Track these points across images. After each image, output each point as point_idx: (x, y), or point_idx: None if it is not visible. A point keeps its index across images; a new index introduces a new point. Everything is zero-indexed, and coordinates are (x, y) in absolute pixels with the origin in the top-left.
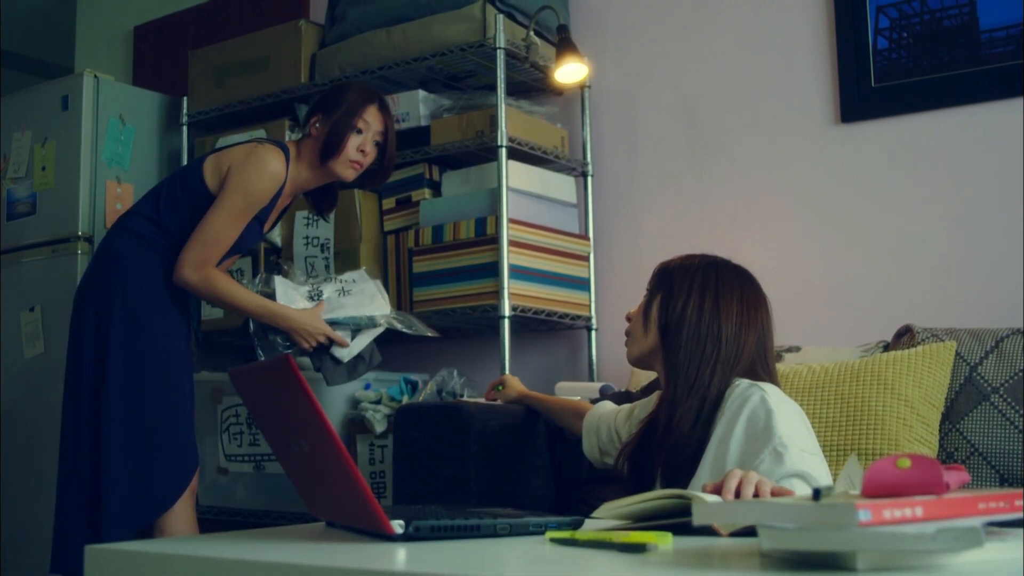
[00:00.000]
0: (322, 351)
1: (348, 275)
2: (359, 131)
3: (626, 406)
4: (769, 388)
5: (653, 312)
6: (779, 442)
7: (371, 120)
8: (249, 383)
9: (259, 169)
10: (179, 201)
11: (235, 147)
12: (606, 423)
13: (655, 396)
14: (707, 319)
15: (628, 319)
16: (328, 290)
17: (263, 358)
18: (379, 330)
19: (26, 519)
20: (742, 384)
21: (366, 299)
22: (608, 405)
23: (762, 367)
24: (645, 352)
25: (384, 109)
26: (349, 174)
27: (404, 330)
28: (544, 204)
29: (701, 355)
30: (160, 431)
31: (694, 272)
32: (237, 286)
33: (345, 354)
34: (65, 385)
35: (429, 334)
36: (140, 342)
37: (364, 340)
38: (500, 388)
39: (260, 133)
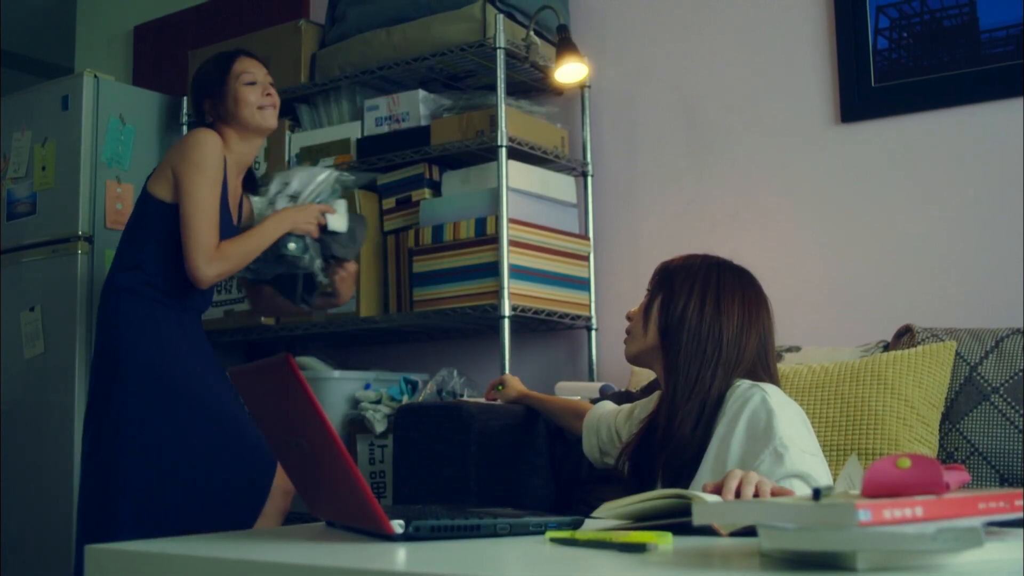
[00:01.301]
0: (324, 234)
1: (283, 172)
2: (251, 83)
3: (626, 406)
4: (770, 389)
5: (653, 312)
6: (779, 443)
7: (251, 68)
8: (249, 383)
9: (195, 141)
10: (143, 236)
11: (164, 161)
12: (606, 423)
13: (655, 396)
14: (708, 320)
15: (629, 318)
16: (276, 184)
17: (302, 280)
18: (339, 197)
19: (26, 519)
20: (743, 385)
21: (311, 174)
22: (608, 405)
23: (763, 368)
24: (644, 351)
25: (251, 55)
26: (271, 120)
27: (348, 185)
28: (544, 204)
29: (702, 357)
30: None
31: (695, 273)
32: (241, 241)
33: (339, 221)
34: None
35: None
36: (158, 394)
37: (340, 207)
38: (500, 388)
39: None
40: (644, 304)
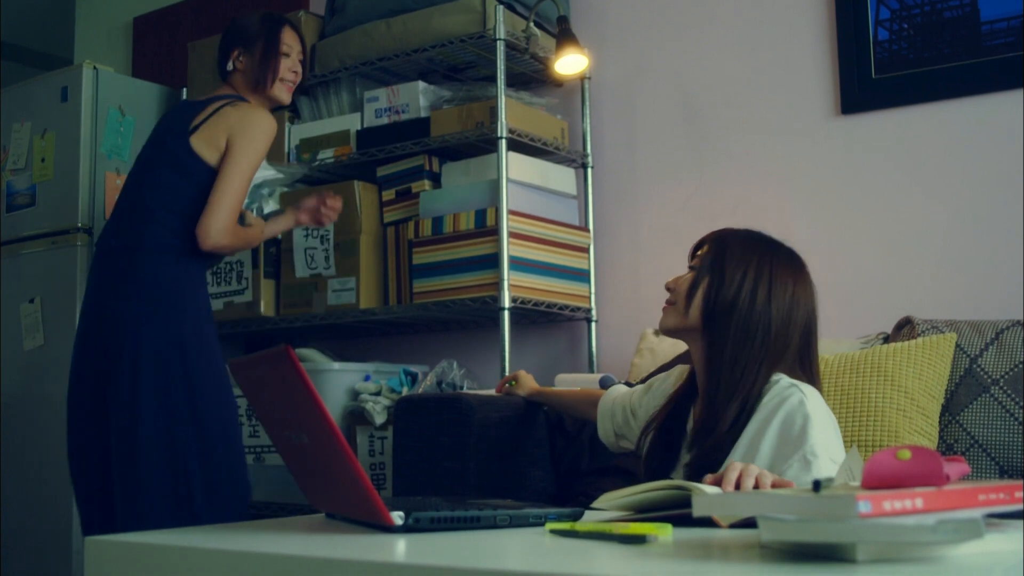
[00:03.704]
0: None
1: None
2: (286, 55)
3: (640, 385)
4: (808, 391)
5: (700, 291)
6: (810, 450)
7: (291, 43)
8: (249, 374)
9: (259, 120)
10: (183, 193)
11: (217, 118)
12: (621, 404)
13: (677, 372)
14: (758, 310)
15: (669, 288)
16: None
17: None
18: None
19: (25, 511)
20: (782, 382)
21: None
22: (621, 388)
23: (805, 362)
24: (682, 328)
25: (296, 29)
26: (286, 96)
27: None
28: (544, 196)
29: (749, 351)
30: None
31: (749, 256)
32: (250, 234)
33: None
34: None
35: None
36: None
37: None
38: (512, 384)
39: None
40: (691, 279)
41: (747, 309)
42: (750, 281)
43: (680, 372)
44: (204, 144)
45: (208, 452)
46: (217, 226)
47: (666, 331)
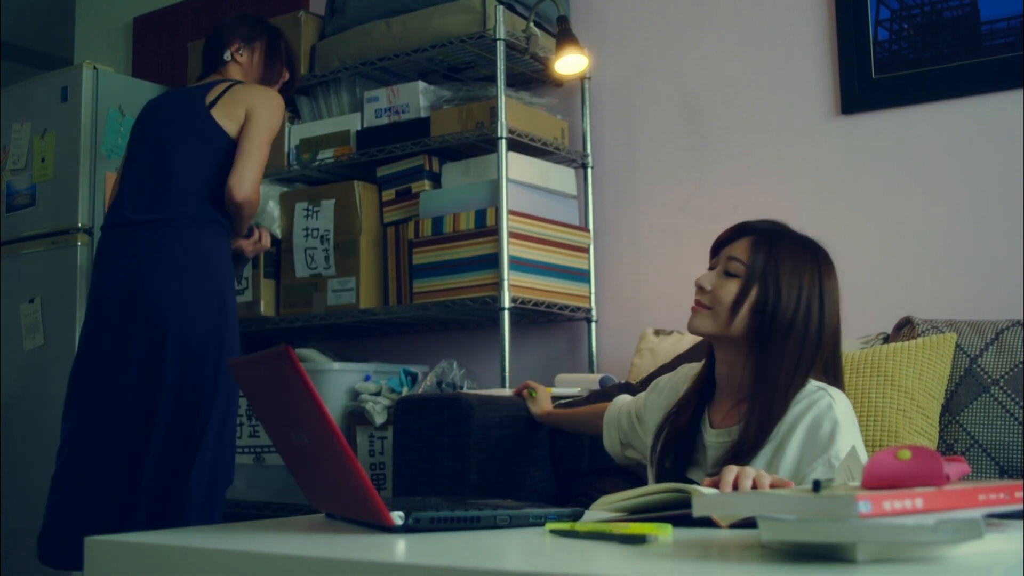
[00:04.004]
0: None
1: None
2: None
3: (643, 392)
4: (836, 395)
5: (749, 302)
6: (836, 455)
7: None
8: (249, 374)
9: (275, 97)
10: (210, 166)
11: (232, 93)
12: (626, 411)
13: (683, 370)
14: (814, 327)
15: (702, 287)
16: None
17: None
18: None
19: (25, 511)
20: (809, 385)
21: None
22: (626, 397)
23: (834, 365)
24: (721, 336)
25: (285, 38)
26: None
27: None
28: (544, 196)
29: (796, 367)
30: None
31: (802, 265)
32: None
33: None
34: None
35: None
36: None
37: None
38: (532, 393)
39: None
40: (738, 288)
41: (804, 325)
42: (805, 296)
43: (687, 371)
44: (224, 116)
45: (222, 429)
46: (250, 177)
47: (699, 334)
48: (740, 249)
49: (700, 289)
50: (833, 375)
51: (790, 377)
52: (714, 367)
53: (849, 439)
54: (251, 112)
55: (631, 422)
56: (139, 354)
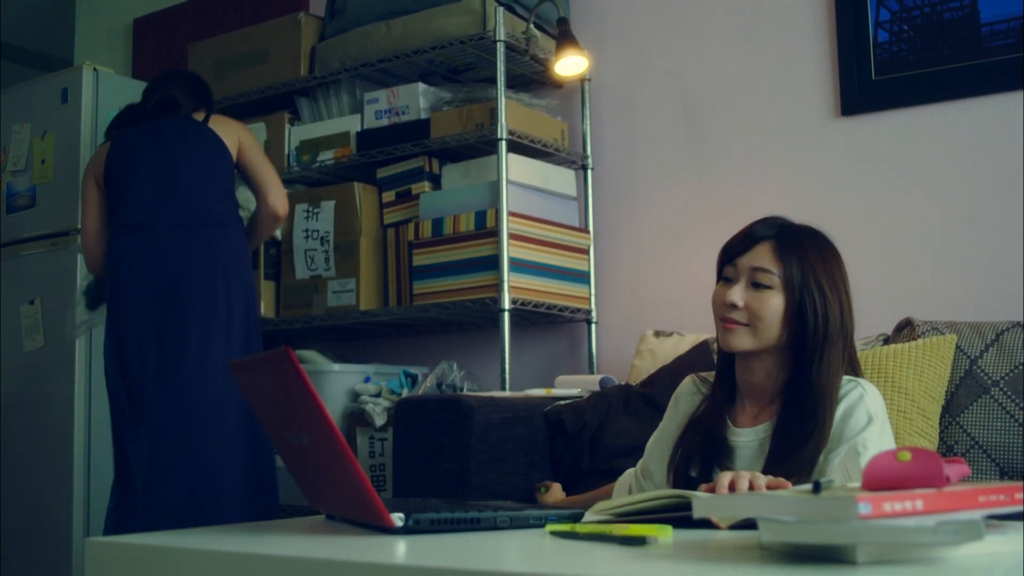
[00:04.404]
0: None
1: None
2: None
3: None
4: (868, 388)
5: (785, 313)
6: (861, 443)
7: None
8: (249, 376)
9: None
10: (224, 175)
11: (216, 119)
12: (633, 475)
13: (686, 391)
14: (848, 324)
15: (734, 304)
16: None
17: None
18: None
19: (25, 511)
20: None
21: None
22: (631, 469)
23: (853, 357)
24: (765, 349)
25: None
26: None
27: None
28: (544, 197)
29: (840, 368)
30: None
31: (831, 265)
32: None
33: None
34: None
35: None
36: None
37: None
38: (543, 491)
39: (260, 126)
40: (783, 305)
41: (839, 332)
42: (837, 302)
43: (691, 387)
44: (222, 134)
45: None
46: (284, 192)
47: (738, 352)
48: (764, 258)
49: (731, 306)
50: (853, 366)
51: (838, 378)
52: (732, 373)
53: (878, 432)
54: (245, 140)
55: (638, 482)
56: (200, 342)
